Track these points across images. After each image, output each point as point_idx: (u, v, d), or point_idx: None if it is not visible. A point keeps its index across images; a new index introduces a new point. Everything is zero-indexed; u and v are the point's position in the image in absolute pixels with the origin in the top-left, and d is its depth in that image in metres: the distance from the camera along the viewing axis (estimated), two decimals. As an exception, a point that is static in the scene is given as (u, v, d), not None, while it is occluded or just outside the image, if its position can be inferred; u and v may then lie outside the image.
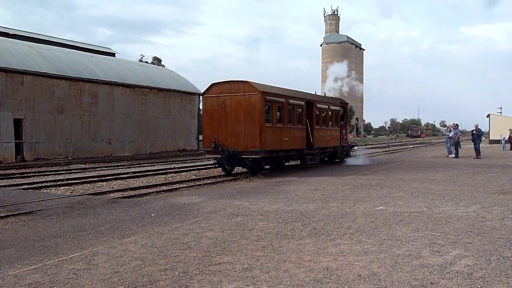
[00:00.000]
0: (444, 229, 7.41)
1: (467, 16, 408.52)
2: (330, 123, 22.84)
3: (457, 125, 28.15)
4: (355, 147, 28.58)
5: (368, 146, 48.18)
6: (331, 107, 22.86)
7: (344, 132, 24.66)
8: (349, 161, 24.11)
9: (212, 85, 17.67)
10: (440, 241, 6.62)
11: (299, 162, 20.73)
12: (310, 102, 20.55)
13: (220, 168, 18.23)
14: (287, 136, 18.37)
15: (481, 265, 5.46)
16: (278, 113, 18.09)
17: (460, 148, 27.00)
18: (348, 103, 25.95)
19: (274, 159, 18.39)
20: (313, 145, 20.40)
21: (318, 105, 21.25)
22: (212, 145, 16.92)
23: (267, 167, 18.81)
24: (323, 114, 21.90)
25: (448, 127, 29.16)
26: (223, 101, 17.10)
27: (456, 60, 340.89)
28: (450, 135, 27.32)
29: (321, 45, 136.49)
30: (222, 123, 17.04)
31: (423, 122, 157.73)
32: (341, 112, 24.39)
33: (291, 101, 18.77)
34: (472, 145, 27.30)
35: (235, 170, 18.37)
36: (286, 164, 20.54)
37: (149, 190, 13.66)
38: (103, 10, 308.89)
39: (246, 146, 16.57)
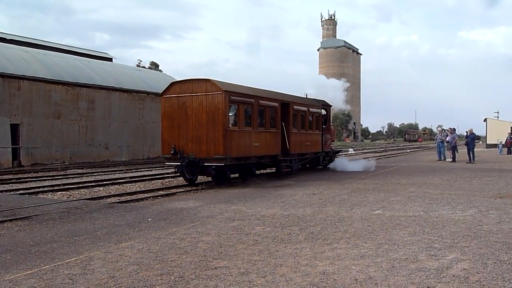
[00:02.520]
0: (441, 233, 7.42)
1: (466, 20, 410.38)
2: (310, 126, 20.98)
3: (454, 129, 28.22)
4: (341, 153, 26.88)
5: (365, 151, 48.26)
6: (311, 109, 21.03)
7: (327, 137, 22.93)
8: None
9: (172, 84, 16.10)
10: (437, 245, 6.63)
11: (275, 170, 19.01)
12: (285, 104, 18.72)
13: (182, 177, 16.41)
14: (258, 141, 16.59)
15: (478, 269, 5.46)
16: (246, 115, 16.33)
17: (457, 152, 27.07)
18: (331, 105, 24.13)
19: (243, 167, 16.48)
20: (290, 151, 18.67)
21: (296, 107, 19.44)
22: (171, 151, 15.28)
23: (236, 175, 17.02)
24: (301, 117, 20.12)
25: (442, 130, 29.10)
26: (184, 102, 15.36)
27: (454, 65, 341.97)
28: (447, 139, 27.37)
29: (318, 50, 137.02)
30: (183, 127, 15.36)
31: (420, 127, 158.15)
32: (323, 115, 22.69)
33: (262, 102, 16.99)
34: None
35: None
36: (260, 172, 19.00)
37: (146, 195, 13.64)
38: (101, 15, 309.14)
39: (208, 153, 14.86)
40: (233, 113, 15.66)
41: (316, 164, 22.44)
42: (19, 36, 36.67)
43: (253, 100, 16.48)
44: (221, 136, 14.71)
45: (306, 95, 22.29)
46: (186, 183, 16.20)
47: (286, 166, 18.50)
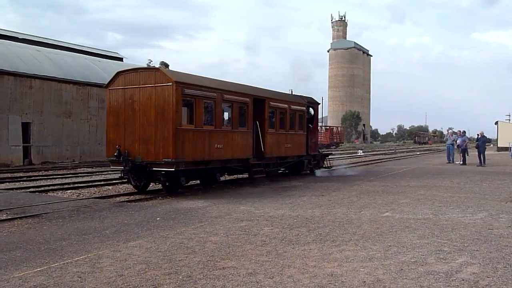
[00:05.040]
0: (450, 236, 7.36)
1: (480, 22, 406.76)
2: (292, 126, 18.51)
3: (464, 132, 28.02)
4: (330, 156, 23.99)
5: (374, 152, 48.02)
6: (293, 107, 18.55)
7: (314, 138, 20.70)
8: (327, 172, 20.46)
9: (118, 74, 13.83)
10: (446, 248, 6.57)
11: (247, 175, 16.73)
12: (260, 100, 16.34)
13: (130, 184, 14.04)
14: (222, 143, 14.29)
15: (488, 273, 5.41)
16: (206, 112, 14.07)
17: (467, 155, 26.85)
18: (319, 103, 21.57)
19: (203, 173, 14.28)
20: (265, 153, 16.41)
21: (273, 104, 17.03)
22: (115, 153, 13.09)
23: (197, 182, 15.01)
24: (281, 115, 17.77)
25: (452, 133, 28.85)
26: (131, 95, 13.24)
27: (466, 67, 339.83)
28: (458, 142, 27.17)
29: (328, 51, 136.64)
30: (129, 125, 13.19)
31: (430, 129, 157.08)
32: (310, 114, 20.41)
33: (228, 96, 14.61)
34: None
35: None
36: (231, 177, 17.41)
37: (155, 194, 13.68)
38: (113, 15, 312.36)
39: (157, 156, 12.65)
40: (188, 109, 13.60)
41: (300, 169, 19.98)
42: (31, 35, 37.06)
43: (215, 94, 14.13)
44: (170, 136, 12.48)
45: (292, 91, 19.68)
46: (195, 183, 15.22)
47: (260, 171, 16.39)
